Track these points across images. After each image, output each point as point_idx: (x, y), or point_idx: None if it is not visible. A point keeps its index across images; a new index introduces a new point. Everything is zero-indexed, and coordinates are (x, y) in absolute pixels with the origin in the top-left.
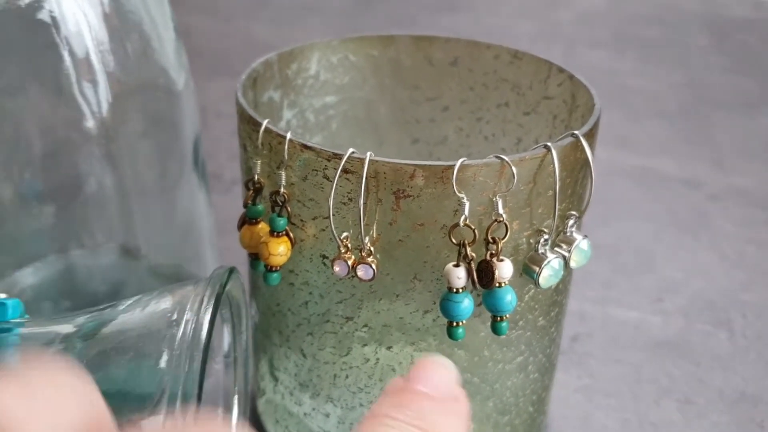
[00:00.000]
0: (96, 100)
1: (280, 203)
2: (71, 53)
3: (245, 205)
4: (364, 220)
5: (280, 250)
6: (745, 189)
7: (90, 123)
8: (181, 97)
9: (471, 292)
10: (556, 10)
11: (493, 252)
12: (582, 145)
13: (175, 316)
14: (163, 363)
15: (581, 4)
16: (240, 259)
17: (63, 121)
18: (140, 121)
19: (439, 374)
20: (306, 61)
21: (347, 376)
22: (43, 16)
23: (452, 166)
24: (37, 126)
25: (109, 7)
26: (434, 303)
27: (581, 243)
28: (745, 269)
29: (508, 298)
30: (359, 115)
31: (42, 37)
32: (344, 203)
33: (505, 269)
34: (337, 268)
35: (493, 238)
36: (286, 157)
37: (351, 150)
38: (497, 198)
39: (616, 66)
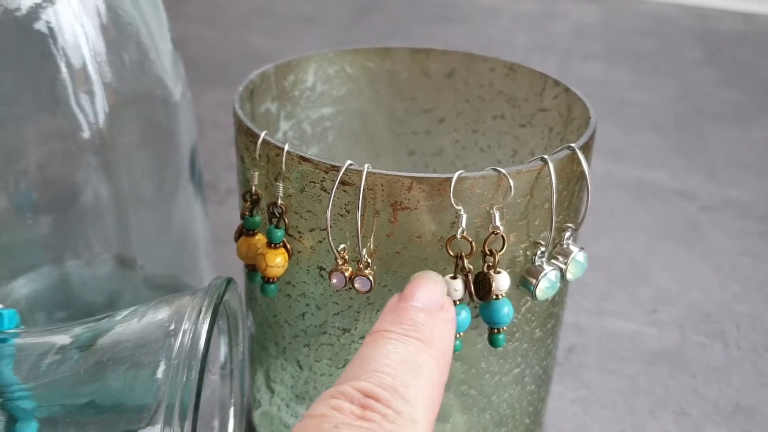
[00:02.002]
0: (92, 110)
1: (278, 215)
2: (68, 64)
3: (242, 217)
4: (361, 232)
5: (277, 262)
6: (739, 201)
7: (86, 133)
8: (177, 108)
9: (468, 304)
10: (551, 22)
11: (490, 264)
12: (578, 157)
13: (172, 327)
14: (160, 374)
15: (576, 16)
16: (236, 270)
17: (59, 131)
18: (137, 132)
19: (428, 288)
20: (303, 73)
21: None
22: (40, 26)
23: (450, 179)
24: (33, 136)
25: (106, 18)
26: None
27: (578, 255)
28: (739, 281)
29: (505, 310)
30: (356, 126)
31: (39, 48)
32: (342, 215)
33: (502, 281)
34: (334, 280)
35: (490, 251)
36: (283, 168)
37: (349, 162)
38: (494, 210)
39: (611, 78)
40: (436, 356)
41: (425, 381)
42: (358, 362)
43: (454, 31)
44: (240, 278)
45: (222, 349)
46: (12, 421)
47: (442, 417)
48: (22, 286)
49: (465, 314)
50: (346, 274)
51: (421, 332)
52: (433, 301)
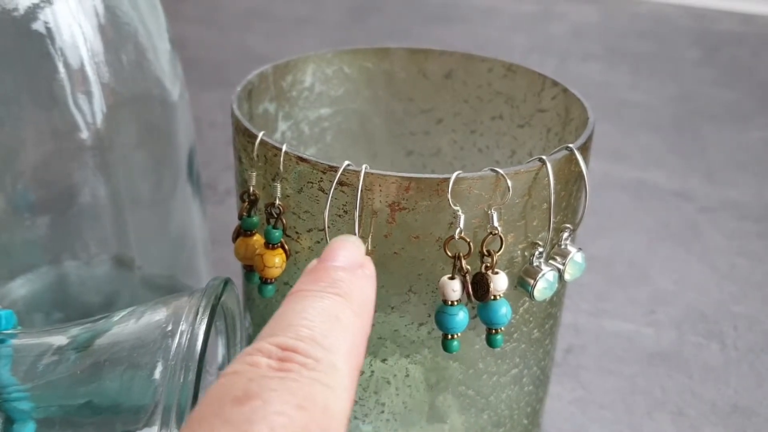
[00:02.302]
0: (90, 110)
1: (276, 215)
2: (66, 64)
3: (240, 217)
4: (359, 232)
5: (275, 262)
6: (737, 201)
7: (84, 134)
8: (175, 108)
9: (466, 304)
10: (549, 23)
11: (488, 265)
12: (576, 158)
13: (170, 327)
14: (157, 374)
15: (574, 17)
16: (234, 270)
17: (57, 131)
18: (135, 132)
19: (346, 248)
20: (301, 73)
21: None
22: (38, 26)
23: (447, 179)
24: (31, 136)
25: (104, 18)
26: (429, 315)
27: (576, 256)
28: (737, 281)
29: (503, 310)
30: (354, 127)
31: (37, 48)
32: (339, 216)
33: (500, 282)
34: None
35: (488, 251)
36: (281, 169)
37: (346, 162)
38: (492, 211)
39: (609, 79)
40: (356, 310)
41: (344, 330)
42: (275, 320)
43: (452, 31)
44: (238, 279)
45: (220, 350)
46: (9, 422)
47: (440, 417)
48: (20, 287)
49: (463, 315)
50: None
51: (339, 288)
52: (352, 260)
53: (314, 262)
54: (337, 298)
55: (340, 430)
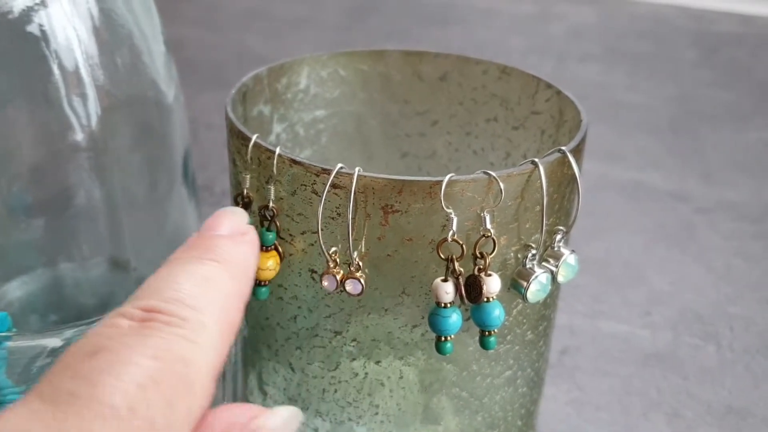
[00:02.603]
0: (85, 113)
1: (269, 218)
2: (61, 66)
3: None
4: (352, 234)
5: (268, 265)
6: (734, 202)
7: (79, 136)
8: (170, 110)
9: (459, 306)
10: (547, 24)
11: (481, 267)
12: (569, 160)
13: None
14: None
15: (572, 18)
16: None
17: (52, 133)
18: (130, 134)
19: (225, 218)
20: (296, 76)
21: (336, 391)
22: (33, 29)
23: (440, 182)
24: (26, 139)
25: (99, 21)
26: (422, 317)
27: (569, 258)
28: (733, 282)
29: (496, 312)
30: (349, 129)
31: (31, 50)
32: (333, 218)
33: (493, 284)
34: (325, 283)
35: (481, 253)
36: (275, 171)
37: (339, 165)
38: (485, 213)
39: (607, 80)
40: (233, 272)
41: (216, 292)
42: (143, 285)
43: (450, 32)
44: None
45: None
46: None
47: (434, 419)
48: (16, 289)
49: (456, 317)
50: (338, 276)
51: (216, 254)
52: (234, 229)
53: (193, 234)
54: (212, 263)
55: (202, 383)
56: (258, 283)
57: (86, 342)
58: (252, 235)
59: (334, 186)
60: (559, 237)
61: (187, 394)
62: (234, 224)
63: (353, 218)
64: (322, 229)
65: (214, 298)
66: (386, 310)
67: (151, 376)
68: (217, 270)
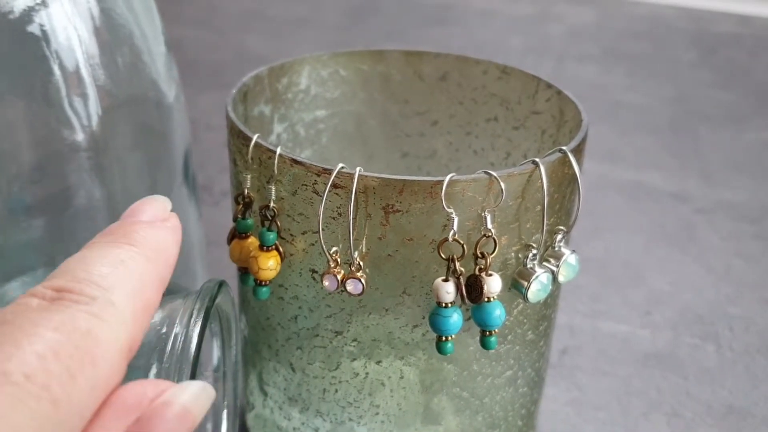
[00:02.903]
0: (86, 113)
1: (270, 218)
2: (61, 66)
3: (235, 220)
4: (353, 234)
5: (269, 265)
6: (733, 203)
7: (79, 136)
8: (171, 110)
9: (460, 306)
10: (546, 24)
11: (482, 267)
12: (570, 160)
13: (164, 330)
14: (152, 376)
15: (571, 19)
16: (230, 272)
17: (52, 134)
18: (130, 134)
19: (146, 205)
20: (296, 76)
21: (336, 391)
22: (34, 29)
23: (441, 182)
24: (26, 139)
25: (99, 21)
26: (423, 317)
27: (569, 257)
28: (733, 282)
29: (497, 312)
30: (349, 129)
31: (32, 50)
32: (334, 218)
33: (493, 284)
34: (326, 283)
35: (481, 253)
36: (275, 171)
37: (340, 165)
38: (486, 213)
39: (606, 80)
40: (149, 255)
41: (128, 272)
42: (59, 267)
43: (450, 33)
44: (234, 280)
45: (215, 352)
46: None
47: (434, 419)
48: (16, 289)
49: (457, 317)
50: (338, 276)
51: (132, 238)
52: (155, 215)
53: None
54: (127, 246)
55: (107, 358)
56: (259, 283)
57: None
58: (174, 222)
59: (334, 186)
60: (559, 237)
61: (90, 367)
62: (155, 211)
63: (354, 218)
64: (322, 229)
65: (126, 279)
66: (387, 310)
67: (51, 347)
68: (132, 253)
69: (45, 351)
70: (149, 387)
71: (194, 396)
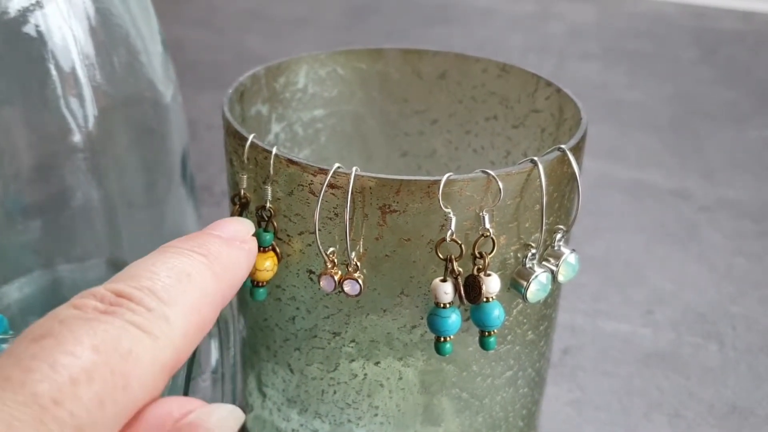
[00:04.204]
0: (82, 113)
1: (267, 218)
2: (57, 67)
3: None
4: (350, 235)
5: (266, 266)
6: (735, 201)
7: (76, 136)
8: (168, 110)
9: (458, 307)
10: (547, 23)
11: (480, 267)
12: (569, 159)
13: None
14: None
15: (572, 17)
16: None
17: (49, 134)
18: (127, 135)
19: (229, 223)
20: (294, 75)
21: (335, 392)
22: (29, 29)
23: (438, 181)
24: (23, 140)
25: (95, 21)
26: (422, 318)
27: (569, 257)
28: (735, 281)
29: (496, 312)
30: (348, 128)
31: (28, 51)
32: (330, 218)
33: (492, 284)
34: (323, 283)
35: (480, 253)
36: (271, 172)
37: (337, 165)
38: (484, 213)
39: (607, 78)
40: (217, 271)
41: (192, 287)
42: (126, 268)
43: (450, 32)
44: None
45: (213, 354)
46: None
47: (434, 420)
48: (14, 291)
49: (455, 317)
50: (336, 277)
51: (205, 249)
52: (234, 234)
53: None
54: (198, 257)
55: (143, 380)
56: (256, 284)
57: (41, 323)
58: (251, 245)
59: (331, 186)
60: (559, 236)
61: (121, 393)
62: (235, 230)
63: (351, 218)
64: (319, 230)
65: (188, 294)
66: (385, 310)
67: (86, 371)
68: (201, 266)
69: (79, 375)
70: (175, 406)
71: (222, 420)
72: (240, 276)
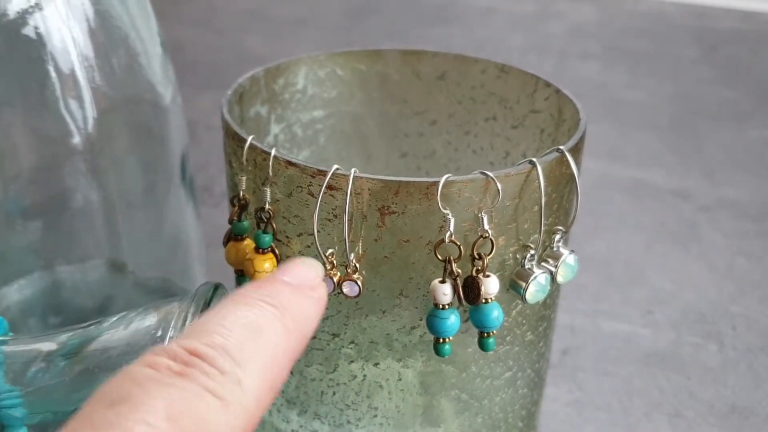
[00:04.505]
0: (82, 115)
1: (266, 220)
2: (57, 69)
3: (231, 222)
4: (349, 236)
5: (265, 267)
6: (735, 200)
7: (76, 138)
8: (168, 112)
9: (457, 308)
10: (547, 22)
11: (479, 268)
12: (567, 160)
13: (159, 333)
14: None
15: (572, 16)
16: (230, 273)
17: (49, 136)
18: (126, 136)
19: (301, 268)
20: (293, 76)
21: (334, 393)
22: (29, 31)
23: (437, 183)
24: (23, 141)
25: (94, 23)
26: (421, 319)
27: (568, 258)
28: (735, 281)
29: (495, 314)
30: (347, 129)
31: (27, 53)
32: (329, 220)
33: (491, 285)
34: None
35: (479, 254)
36: (270, 173)
37: (335, 166)
38: (483, 214)
39: (607, 78)
40: (288, 325)
41: (265, 345)
42: (197, 322)
43: (450, 32)
44: (233, 281)
45: None
46: (0, 428)
47: (434, 421)
48: (14, 292)
49: (454, 318)
50: (335, 278)
51: (276, 300)
52: (303, 280)
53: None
54: (270, 309)
55: None
56: None
57: (115, 384)
58: (321, 293)
59: (330, 187)
60: (558, 237)
61: None
62: (305, 275)
63: (350, 220)
64: (318, 231)
65: (262, 352)
66: (384, 311)
67: None
68: (272, 319)
69: None
70: None
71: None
72: (310, 328)
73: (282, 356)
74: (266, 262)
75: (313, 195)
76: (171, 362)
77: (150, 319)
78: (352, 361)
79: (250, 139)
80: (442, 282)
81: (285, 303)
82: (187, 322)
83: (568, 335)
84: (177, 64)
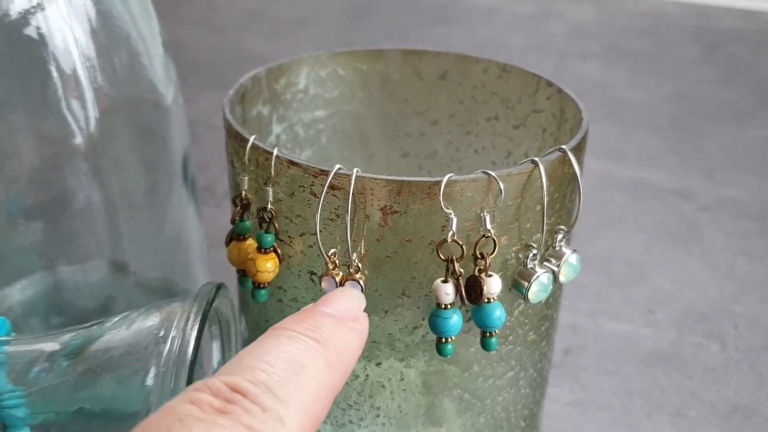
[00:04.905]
0: (83, 115)
1: (268, 219)
2: (58, 69)
3: (233, 221)
4: (351, 236)
5: (267, 267)
6: (737, 200)
7: (78, 138)
8: (169, 112)
9: (460, 307)
10: (548, 22)
11: (482, 267)
12: (570, 159)
13: (162, 333)
14: (150, 380)
15: (573, 16)
16: (231, 273)
17: (50, 136)
18: (128, 137)
19: (343, 299)
20: (295, 76)
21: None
22: (30, 32)
23: (439, 182)
24: (24, 142)
25: (96, 23)
26: (423, 319)
27: (570, 257)
28: (737, 280)
29: (497, 313)
30: (349, 129)
31: (29, 53)
32: (332, 219)
33: (493, 285)
34: (325, 285)
35: (481, 254)
36: (273, 173)
37: (338, 166)
38: (485, 213)
39: (608, 78)
40: (331, 360)
41: (308, 381)
42: (239, 356)
43: (451, 31)
44: (235, 281)
45: (215, 355)
46: (2, 428)
47: (436, 421)
48: (16, 293)
49: (456, 318)
50: (337, 278)
51: (319, 333)
52: (345, 310)
53: (309, 305)
54: (312, 344)
55: None
56: (257, 286)
57: (158, 420)
58: (363, 324)
59: (332, 187)
60: (560, 236)
61: None
62: (347, 306)
63: (352, 219)
64: (320, 231)
65: (304, 390)
66: (386, 311)
67: None
68: (315, 354)
69: None
70: None
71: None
72: (353, 362)
73: (324, 392)
74: (268, 262)
75: (315, 195)
76: (213, 399)
77: (152, 319)
78: None
79: (252, 139)
80: (445, 282)
81: (327, 336)
82: (189, 322)
83: (569, 335)
84: (178, 64)
